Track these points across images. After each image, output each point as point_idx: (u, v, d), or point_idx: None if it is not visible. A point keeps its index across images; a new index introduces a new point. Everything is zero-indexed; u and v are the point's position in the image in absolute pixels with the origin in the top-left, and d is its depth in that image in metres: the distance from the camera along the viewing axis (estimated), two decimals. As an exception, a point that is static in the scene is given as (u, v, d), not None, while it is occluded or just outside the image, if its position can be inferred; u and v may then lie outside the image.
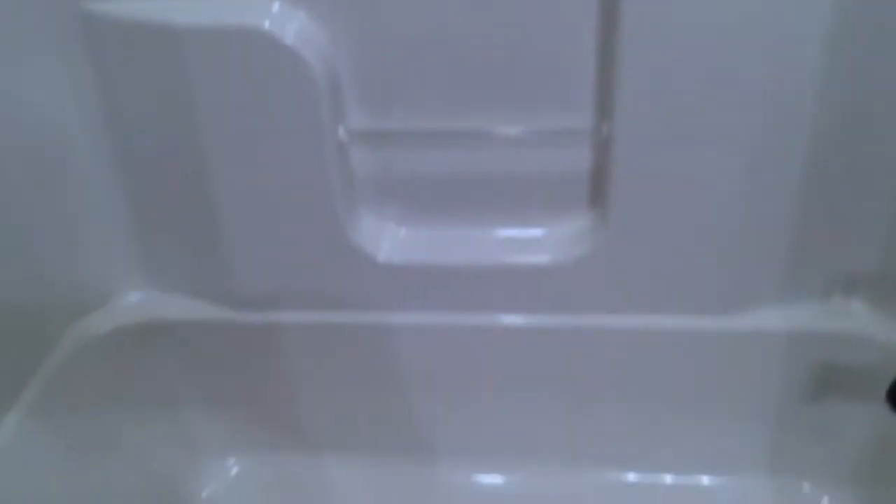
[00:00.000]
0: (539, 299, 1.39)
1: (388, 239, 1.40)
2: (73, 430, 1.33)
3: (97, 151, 1.31)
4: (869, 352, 1.32)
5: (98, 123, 1.28)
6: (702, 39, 1.12)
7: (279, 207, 1.32)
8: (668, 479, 1.56)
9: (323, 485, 1.58)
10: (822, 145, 1.20)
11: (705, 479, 1.54)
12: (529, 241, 1.38)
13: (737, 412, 1.47)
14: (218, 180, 1.30)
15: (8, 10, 1.16)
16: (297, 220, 1.33)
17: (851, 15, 1.09)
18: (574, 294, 1.38)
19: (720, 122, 1.18)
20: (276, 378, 1.51)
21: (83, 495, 1.33)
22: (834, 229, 1.30)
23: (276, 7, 1.17)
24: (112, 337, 1.40)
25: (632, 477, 1.57)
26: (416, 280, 1.39)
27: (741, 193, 1.25)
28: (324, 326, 1.44)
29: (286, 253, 1.38)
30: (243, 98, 1.21)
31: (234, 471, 1.60)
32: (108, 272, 1.43)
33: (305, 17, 1.19)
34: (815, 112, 1.17)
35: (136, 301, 1.46)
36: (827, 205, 1.27)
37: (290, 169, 1.28)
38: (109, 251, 1.41)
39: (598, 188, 1.32)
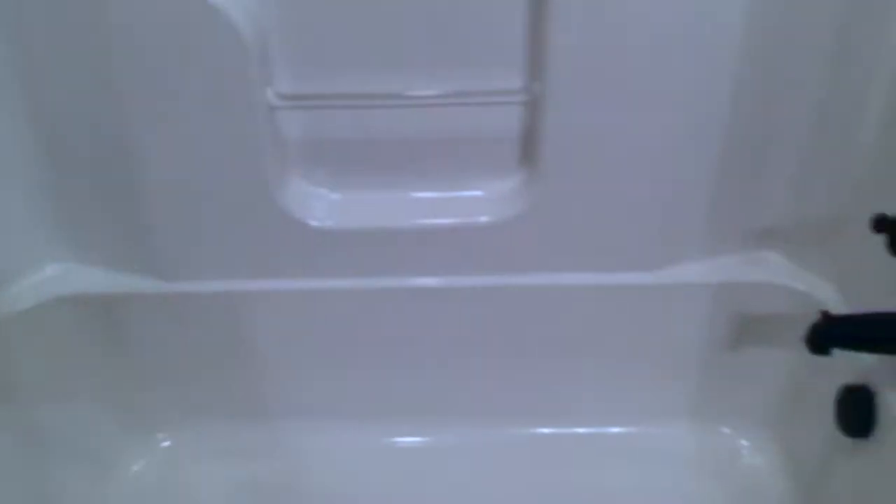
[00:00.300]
0: (473, 260, 1.41)
1: (321, 204, 1.39)
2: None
3: (10, 117, 1.24)
4: (784, 300, 1.39)
5: (11, 89, 1.21)
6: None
7: (206, 174, 1.29)
8: (591, 430, 1.60)
9: (250, 454, 1.56)
10: (739, 108, 1.26)
11: (625, 429, 1.59)
12: (463, 201, 1.39)
13: (660, 363, 1.52)
14: (140, 146, 1.26)
15: None
16: (225, 186, 1.31)
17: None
18: (507, 254, 1.40)
19: (647, 84, 1.22)
20: (205, 349, 1.48)
21: (5, 477, 1.28)
22: (750, 186, 1.36)
23: (200, -35, 1.14)
24: (32, 312, 1.34)
25: (553, 430, 1.60)
26: (349, 245, 1.38)
27: (666, 153, 1.29)
28: (255, 294, 1.42)
29: (214, 220, 1.35)
30: (167, 59, 1.18)
31: (165, 444, 1.57)
32: (24, 243, 1.37)
33: (231, -24, 1.16)
34: (734, 75, 1.22)
35: (55, 274, 1.41)
36: (743, 164, 1.33)
37: (217, 133, 1.25)
38: (24, 221, 1.34)
39: (529, 148, 1.34)
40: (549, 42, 1.18)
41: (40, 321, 1.36)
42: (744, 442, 1.54)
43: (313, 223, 1.36)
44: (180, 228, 1.35)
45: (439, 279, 1.43)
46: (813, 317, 1.14)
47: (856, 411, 1.17)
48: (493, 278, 1.43)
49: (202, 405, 1.56)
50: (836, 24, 1.18)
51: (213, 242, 1.38)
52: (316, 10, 1.21)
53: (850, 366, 1.22)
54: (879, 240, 1.04)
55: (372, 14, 1.22)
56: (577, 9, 1.15)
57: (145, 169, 1.28)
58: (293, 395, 1.56)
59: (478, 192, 1.39)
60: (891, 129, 1.18)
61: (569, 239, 1.39)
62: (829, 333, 1.12)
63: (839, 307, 1.31)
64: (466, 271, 1.42)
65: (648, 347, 1.50)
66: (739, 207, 1.39)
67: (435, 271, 1.42)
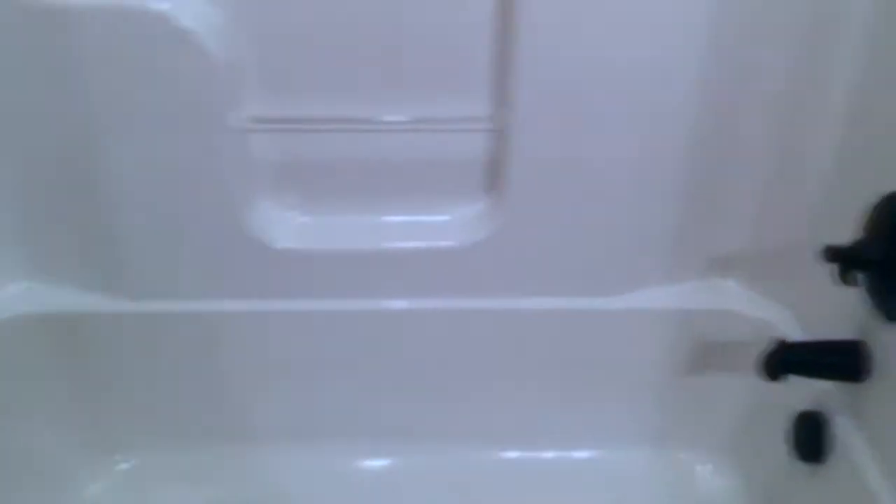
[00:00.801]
0: (440, 283, 1.42)
1: (290, 226, 1.39)
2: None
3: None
4: (742, 327, 1.42)
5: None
6: (596, 30, 1.18)
7: (174, 194, 1.29)
8: (556, 454, 1.61)
9: (213, 477, 1.55)
10: (699, 138, 1.29)
11: (587, 454, 1.61)
12: (430, 226, 1.41)
13: (622, 387, 1.54)
14: (109, 166, 1.26)
15: None
16: (194, 207, 1.31)
17: (730, 17, 1.18)
18: (473, 278, 1.42)
19: (611, 113, 1.25)
20: (169, 369, 1.48)
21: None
22: (710, 215, 1.39)
23: (172, -12, 1.16)
24: (-7, 330, 1.33)
25: (517, 454, 1.61)
26: (317, 267, 1.39)
27: (629, 181, 1.32)
28: (222, 315, 1.42)
29: (182, 241, 1.35)
30: (137, 82, 1.18)
31: (123, 466, 1.55)
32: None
33: (204, 1, 1.18)
34: (694, 109, 1.26)
35: (18, 292, 1.39)
36: (704, 193, 1.36)
37: (187, 155, 1.26)
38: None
39: (494, 175, 1.37)
40: (516, 71, 1.21)
41: (3, 339, 1.34)
42: (702, 467, 1.56)
43: (282, 245, 1.37)
44: (147, 248, 1.35)
45: (406, 302, 1.44)
46: (769, 344, 1.17)
47: (810, 437, 1.20)
48: (458, 302, 1.44)
49: (164, 426, 1.55)
50: (791, 60, 1.22)
51: (180, 263, 1.37)
52: (288, 35, 1.23)
53: (804, 392, 1.24)
54: (833, 269, 1.07)
55: (343, 39, 1.23)
56: (542, 40, 1.18)
57: (113, 189, 1.28)
58: (258, 417, 1.55)
59: (445, 217, 1.41)
60: (844, 161, 1.22)
61: (533, 264, 1.41)
62: (783, 360, 1.15)
63: (794, 334, 1.34)
64: (433, 295, 1.43)
65: (611, 372, 1.52)
66: (700, 235, 1.42)
67: (402, 294, 1.43)
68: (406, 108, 1.29)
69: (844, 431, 1.14)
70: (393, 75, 1.27)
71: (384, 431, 1.58)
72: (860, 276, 1.08)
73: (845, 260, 1.04)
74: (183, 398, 1.52)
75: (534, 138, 1.27)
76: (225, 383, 1.50)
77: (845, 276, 1.05)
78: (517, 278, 1.42)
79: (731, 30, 1.19)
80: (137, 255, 1.36)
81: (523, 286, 1.43)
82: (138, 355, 1.45)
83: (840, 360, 1.12)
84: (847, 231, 1.12)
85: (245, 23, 1.21)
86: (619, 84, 1.22)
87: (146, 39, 1.15)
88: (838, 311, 1.20)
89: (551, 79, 1.21)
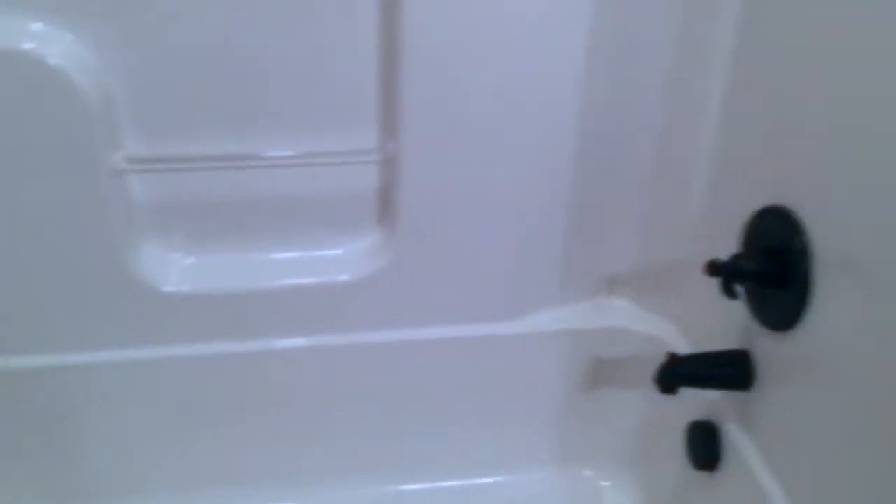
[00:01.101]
0: (337, 319, 1.41)
1: (176, 268, 1.35)
2: None
3: None
4: (634, 343, 1.46)
5: None
6: (480, 58, 1.20)
7: (48, 240, 1.24)
8: (460, 483, 1.60)
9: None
10: (583, 160, 1.32)
11: (492, 479, 1.61)
12: (323, 260, 1.39)
13: (521, 410, 1.56)
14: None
15: None
16: (70, 253, 1.25)
17: (605, 40, 1.22)
18: (370, 311, 1.41)
19: (495, 140, 1.27)
20: (52, 426, 1.40)
21: None
22: (597, 236, 1.43)
23: (38, 27, 1.11)
24: None
25: (419, 486, 1.60)
26: (207, 309, 1.35)
27: (517, 206, 1.35)
28: (105, 365, 1.35)
29: (58, 290, 1.29)
30: (5, 124, 1.13)
31: (8, 532, 1.45)
32: None
33: (73, 39, 1.13)
34: (577, 132, 1.29)
35: None
36: (589, 215, 1.40)
37: (62, 199, 1.20)
38: None
39: (386, 206, 1.36)
40: (402, 101, 1.22)
41: None
42: (605, 483, 1.59)
43: (167, 288, 1.32)
44: (18, 299, 1.29)
45: (301, 340, 1.41)
46: (661, 358, 1.21)
47: (703, 446, 1.24)
48: (355, 336, 1.43)
49: (51, 487, 1.46)
50: (665, 81, 1.27)
51: (57, 313, 1.31)
52: (164, 71, 1.20)
53: (697, 403, 1.28)
54: (716, 283, 1.11)
55: (223, 74, 1.21)
56: (427, 69, 1.19)
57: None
58: (151, 470, 1.49)
59: (338, 251, 1.40)
60: (722, 179, 1.27)
61: (429, 293, 1.41)
62: (675, 374, 1.19)
63: (683, 348, 1.38)
64: (328, 331, 1.41)
65: (511, 396, 1.53)
66: (588, 256, 1.45)
67: (297, 332, 1.41)
68: (292, 142, 1.28)
69: (735, 438, 1.18)
70: (277, 109, 1.25)
71: (285, 473, 1.54)
72: (741, 289, 1.13)
73: (726, 274, 1.08)
74: (70, 455, 1.44)
75: (422, 167, 1.27)
76: (112, 436, 1.44)
77: (727, 289, 1.09)
78: (413, 308, 1.42)
79: (607, 53, 1.23)
80: (13, 307, 1.29)
81: (420, 316, 1.43)
82: (19, 414, 1.37)
83: (728, 371, 1.16)
84: (729, 245, 1.17)
85: (117, 60, 1.17)
86: (504, 111, 1.24)
87: (13, 80, 1.10)
88: (724, 323, 1.25)
89: (437, 107, 1.22)
